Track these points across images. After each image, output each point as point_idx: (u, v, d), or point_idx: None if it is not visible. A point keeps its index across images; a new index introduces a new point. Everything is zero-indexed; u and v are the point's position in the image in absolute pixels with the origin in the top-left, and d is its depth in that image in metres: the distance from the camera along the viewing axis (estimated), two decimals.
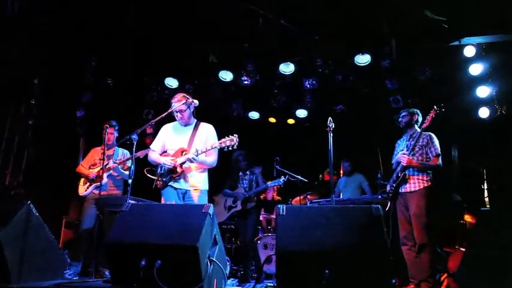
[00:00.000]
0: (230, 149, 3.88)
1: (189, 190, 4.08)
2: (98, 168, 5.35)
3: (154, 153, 4.26)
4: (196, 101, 4.18)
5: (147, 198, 4.75)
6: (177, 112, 4.16)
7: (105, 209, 4.98)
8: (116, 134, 5.57)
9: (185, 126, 4.27)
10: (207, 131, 4.25)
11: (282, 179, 5.58)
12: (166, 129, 4.37)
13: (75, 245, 5.25)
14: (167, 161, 4.05)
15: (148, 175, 4.26)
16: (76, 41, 6.51)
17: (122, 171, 5.37)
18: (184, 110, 4.15)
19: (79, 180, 5.46)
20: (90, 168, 5.44)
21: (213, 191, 6.07)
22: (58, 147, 6.90)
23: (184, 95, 4.19)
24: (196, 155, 3.91)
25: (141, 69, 7.45)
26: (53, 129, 6.91)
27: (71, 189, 5.64)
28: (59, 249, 4.32)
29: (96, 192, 5.27)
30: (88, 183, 5.35)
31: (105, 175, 5.25)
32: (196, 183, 4.11)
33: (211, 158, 4.15)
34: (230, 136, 3.88)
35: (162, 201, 4.10)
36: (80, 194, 5.38)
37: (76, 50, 6.71)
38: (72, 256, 5.07)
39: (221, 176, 5.76)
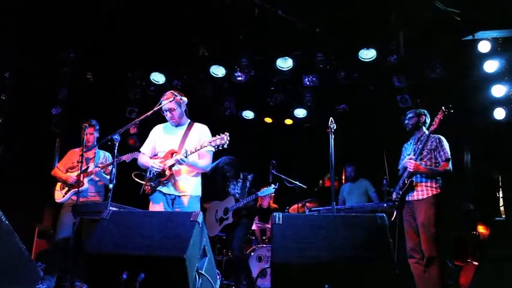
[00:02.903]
0: (221, 148, 3.88)
1: (178, 196, 4.07)
2: (78, 172, 5.32)
3: (144, 156, 4.28)
4: (185, 98, 4.18)
5: (130, 205, 4.74)
6: (166, 111, 4.17)
7: (85, 217, 4.95)
8: (96, 135, 5.54)
9: (177, 126, 4.28)
10: (201, 131, 4.25)
11: (273, 186, 5.53)
12: (157, 130, 4.39)
13: (50, 256, 5.20)
14: (155, 164, 4.06)
15: (136, 179, 4.25)
16: (52, 31, 6.48)
17: (104, 175, 5.35)
18: (175, 109, 4.15)
19: (55, 184, 5.42)
20: (67, 171, 5.40)
21: (203, 198, 6.09)
22: (31, 148, 6.86)
23: (174, 92, 4.19)
24: (185, 156, 3.90)
25: (124, 63, 7.43)
26: (25, 128, 6.86)
27: (45, 194, 5.60)
28: (30, 261, 4.29)
29: (75, 198, 5.24)
30: (66, 189, 5.32)
31: (85, 180, 5.24)
32: (187, 188, 4.09)
33: (204, 161, 4.15)
34: (220, 134, 3.90)
35: (150, 208, 4.09)
36: (57, 201, 5.33)
37: (52, 41, 6.68)
38: (45, 269, 5.03)
39: (210, 181, 5.77)
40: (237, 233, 5.63)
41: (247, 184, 5.87)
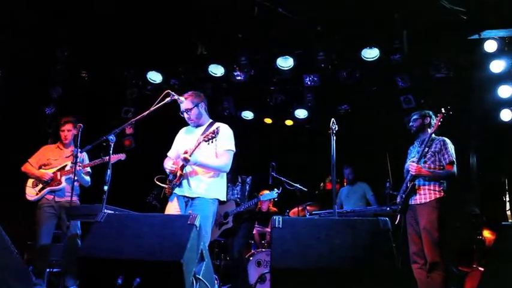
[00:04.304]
0: (214, 141, 3.87)
1: (192, 198, 4.01)
2: (55, 169, 5.29)
3: (166, 159, 4.29)
4: (182, 98, 4.17)
5: (125, 208, 4.73)
6: (183, 112, 4.17)
7: (79, 220, 4.95)
8: (74, 132, 5.48)
9: (196, 127, 4.27)
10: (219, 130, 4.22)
11: (275, 191, 5.54)
12: (180, 133, 4.41)
13: (37, 260, 5.18)
14: (168, 166, 4.08)
15: (157, 183, 4.24)
16: (45, 27, 6.48)
17: (83, 175, 5.33)
18: (191, 109, 4.13)
19: (26, 181, 5.35)
20: (40, 168, 5.35)
21: None
22: (24, 149, 6.84)
23: (193, 92, 4.20)
24: (190, 155, 3.89)
25: (119, 61, 7.43)
26: (18, 128, 6.86)
27: None
28: (22, 265, 4.28)
29: (50, 197, 5.21)
30: (40, 186, 5.26)
31: (63, 178, 5.21)
32: (200, 190, 4.02)
33: (220, 161, 4.06)
34: (212, 128, 3.93)
35: (166, 211, 4.08)
36: (29, 198, 5.27)
37: (45, 38, 6.68)
38: (35, 273, 5.01)
39: None
40: (238, 236, 5.65)
41: (247, 187, 5.87)
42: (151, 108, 4.10)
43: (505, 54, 6.26)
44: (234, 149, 4.11)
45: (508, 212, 6.76)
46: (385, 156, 6.63)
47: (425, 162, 4.63)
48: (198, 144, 3.90)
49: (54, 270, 5.74)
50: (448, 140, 4.69)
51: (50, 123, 7.22)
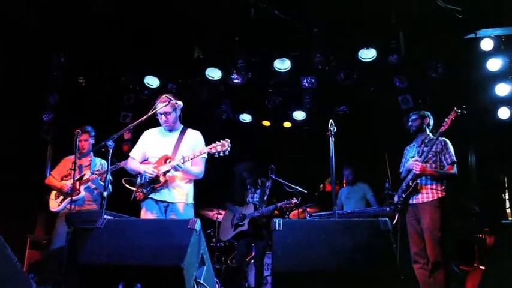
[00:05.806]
0: (221, 155, 3.87)
1: (172, 203, 4.06)
2: (73, 180, 5.32)
3: (134, 161, 4.27)
4: (180, 103, 4.18)
5: (125, 213, 4.73)
6: (161, 114, 4.17)
7: (77, 226, 4.94)
8: (91, 141, 5.54)
9: (170, 131, 4.29)
10: (196, 137, 4.27)
11: (294, 200, 5.59)
12: (149, 135, 4.38)
13: (44, 267, 5.19)
14: (148, 170, 4.04)
15: (126, 185, 4.24)
16: (42, 33, 6.47)
17: (101, 183, 5.35)
18: (170, 113, 4.16)
19: (49, 193, 5.40)
20: (62, 179, 5.39)
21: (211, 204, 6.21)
22: (21, 156, 6.84)
23: (169, 96, 4.20)
24: (182, 163, 3.90)
25: (117, 67, 7.43)
26: (15, 135, 6.84)
27: (37, 203, 5.59)
28: (22, 273, 4.27)
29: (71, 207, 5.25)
30: (61, 197, 5.30)
31: (82, 188, 5.24)
32: (182, 196, 4.10)
33: (198, 168, 4.17)
34: (221, 141, 3.88)
35: (142, 215, 4.08)
36: (52, 210, 5.32)
37: (42, 43, 6.67)
38: (38, 281, 5.01)
39: (218, 188, 5.76)
40: (259, 244, 5.68)
41: (267, 191, 5.87)
42: (149, 113, 4.11)
43: (502, 53, 6.28)
44: (206, 156, 4.11)
45: (508, 210, 6.76)
46: (383, 156, 6.63)
47: (426, 161, 4.63)
48: (200, 154, 3.92)
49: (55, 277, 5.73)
50: (448, 140, 4.70)
51: (48, 130, 7.21)
